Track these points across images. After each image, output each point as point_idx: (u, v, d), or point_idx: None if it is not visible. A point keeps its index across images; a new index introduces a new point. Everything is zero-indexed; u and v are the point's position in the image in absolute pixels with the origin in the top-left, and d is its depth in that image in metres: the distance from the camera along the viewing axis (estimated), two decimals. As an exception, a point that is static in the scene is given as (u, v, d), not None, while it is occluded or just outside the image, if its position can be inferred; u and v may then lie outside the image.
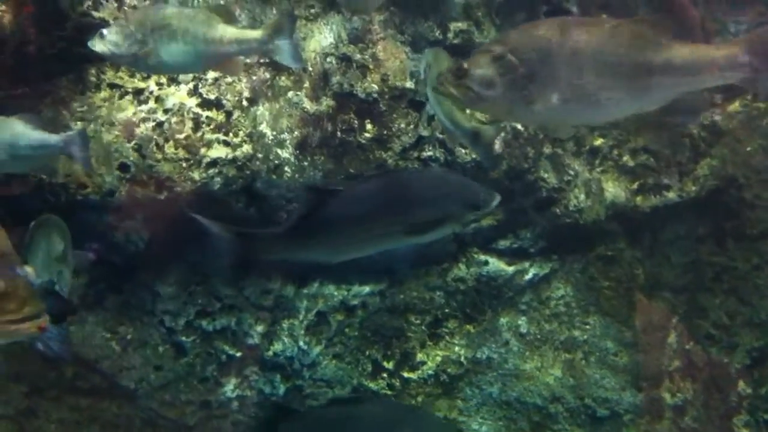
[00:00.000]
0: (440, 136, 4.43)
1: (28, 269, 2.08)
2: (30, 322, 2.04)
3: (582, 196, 4.63)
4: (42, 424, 4.26)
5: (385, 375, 4.62)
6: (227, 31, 3.59)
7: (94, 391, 4.36)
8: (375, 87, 4.37)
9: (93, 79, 4.21)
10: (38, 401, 4.28)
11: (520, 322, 4.72)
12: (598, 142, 4.69)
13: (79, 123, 4.14)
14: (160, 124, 4.20)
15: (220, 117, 4.27)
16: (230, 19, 3.67)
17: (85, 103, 4.18)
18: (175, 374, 4.42)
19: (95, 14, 4.16)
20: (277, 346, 4.51)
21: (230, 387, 4.49)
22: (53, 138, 3.58)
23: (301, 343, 4.52)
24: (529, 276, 4.70)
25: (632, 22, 3.01)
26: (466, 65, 3.03)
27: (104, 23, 4.03)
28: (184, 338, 4.41)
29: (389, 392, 4.61)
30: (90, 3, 4.15)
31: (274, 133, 4.34)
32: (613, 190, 4.71)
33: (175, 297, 4.38)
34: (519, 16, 4.61)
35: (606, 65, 2.89)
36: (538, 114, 3.01)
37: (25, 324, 2.04)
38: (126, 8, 4.19)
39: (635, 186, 4.73)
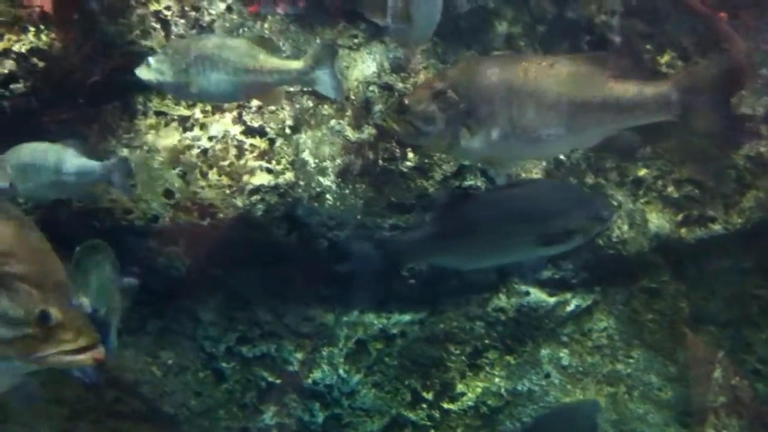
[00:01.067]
0: (481, 165, 4.41)
1: (84, 300, 2.11)
2: (86, 354, 2.05)
3: (625, 227, 4.57)
4: (83, 448, 4.28)
5: (424, 405, 4.58)
6: (268, 61, 3.64)
7: (134, 415, 4.37)
8: (417, 116, 4.37)
9: (140, 106, 4.30)
10: (79, 425, 4.30)
11: (561, 354, 4.65)
12: (642, 172, 4.65)
13: (125, 149, 4.21)
14: (204, 151, 4.25)
15: (264, 144, 4.31)
16: (272, 49, 3.72)
17: (131, 129, 4.26)
18: (214, 400, 4.43)
19: (143, 43, 4.24)
20: (317, 374, 4.49)
21: (269, 414, 4.48)
22: (95, 165, 3.65)
23: (340, 371, 4.50)
24: (570, 307, 4.65)
25: (570, 60, 3.05)
26: (407, 101, 3.09)
27: (152, 52, 4.10)
28: (224, 364, 4.42)
29: (428, 423, 4.56)
30: (138, 32, 4.24)
31: (316, 160, 4.37)
32: (657, 221, 4.65)
33: (216, 323, 4.41)
34: (562, 45, 4.61)
35: (544, 102, 2.93)
36: (478, 150, 3.05)
37: (81, 355, 2.06)
38: (173, 37, 4.27)
39: (680, 217, 4.66)
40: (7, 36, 3.91)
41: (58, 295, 2.05)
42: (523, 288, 4.59)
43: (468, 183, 4.39)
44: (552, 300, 4.62)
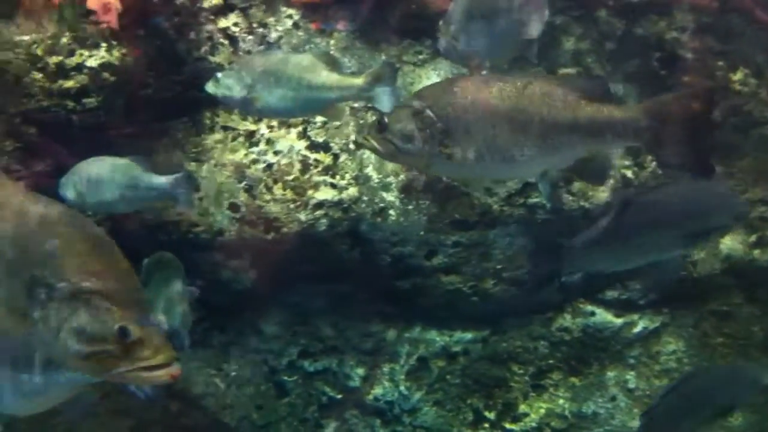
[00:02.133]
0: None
1: (161, 317, 2.13)
2: (163, 370, 2.07)
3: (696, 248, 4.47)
4: (146, 459, 4.33)
5: (486, 425, 4.52)
6: (330, 78, 3.66)
7: (197, 428, 4.40)
8: (481, 132, 4.34)
9: (207, 121, 4.35)
10: (143, 435, 4.36)
11: (628, 376, 4.54)
12: (715, 193, 4.54)
13: (193, 164, 4.26)
14: (269, 166, 4.28)
15: (328, 159, 4.32)
16: (334, 65, 3.73)
17: (199, 144, 4.31)
18: (276, 414, 4.44)
19: (211, 58, 4.30)
20: (378, 390, 4.48)
21: (330, 430, 4.47)
22: (161, 180, 3.69)
23: (401, 388, 4.47)
24: (638, 329, 4.54)
25: (543, 81, 3.06)
26: (386, 119, 3.09)
27: (219, 68, 4.15)
28: (286, 378, 4.44)
29: (490, 443, 4.52)
30: (207, 48, 4.30)
31: (380, 176, 4.36)
32: (730, 242, 4.52)
33: (279, 336, 4.43)
34: (631, 62, 4.54)
35: (517, 123, 2.94)
36: (455, 168, 3.10)
37: (158, 372, 2.07)
38: (240, 53, 4.32)
39: (753, 239, 4.53)
40: (79, 51, 3.98)
41: (137, 312, 2.07)
42: (589, 308, 4.51)
43: (532, 200, 4.35)
44: (618, 321, 4.52)
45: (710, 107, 3.02)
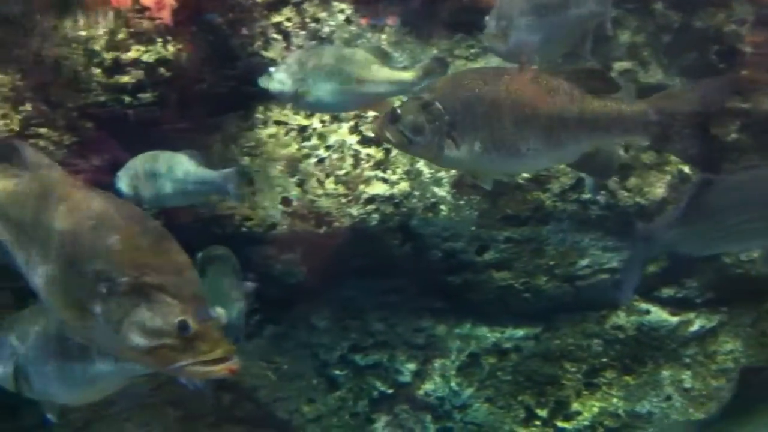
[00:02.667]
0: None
1: (219, 311, 2.14)
2: (222, 365, 2.09)
3: (754, 245, 4.36)
4: (199, 451, 4.38)
5: (538, 423, 4.47)
6: (380, 72, 3.67)
7: (249, 419, 4.44)
8: (535, 127, 4.30)
9: (260, 116, 4.38)
10: (195, 427, 4.40)
11: (683, 376, 4.45)
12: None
13: (246, 158, 4.29)
14: (321, 160, 4.30)
15: (379, 154, 4.32)
16: (385, 60, 3.73)
17: (252, 138, 4.34)
18: (327, 407, 4.46)
19: (264, 53, 4.32)
20: (429, 386, 4.46)
21: (381, 424, 4.48)
22: (212, 175, 3.73)
23: (452, 384, 4.45)
24: (694, 328, 4.45)
25: (550, 75, 3.04)
26: (399, 111, 3.13)
27: (272, 62, 4.17)
28: (337, 372, 4.45)
29: (542, 441, 4.47)
30: (260, 43, 4.32)
31: (431, 171, 4.34)
32: (790, 239, 4.41)
33: (330, 330, 4.44)
34: (689, 56, 4.45)
35: (523, 116, 2.94)
36: (463, 161, 3.10)
37: (217, 366, 2.09)
38: (293, 48, 4.33)
39: (814, 236, 4.42)
40: (135, 47, 4.04)
41: (196, 307, 2.09)
42: (644, 306, 4.44)
43: (586, 196, 4.29)
44: (674, 319, 4.44)
45: (717, 104, 3.01)
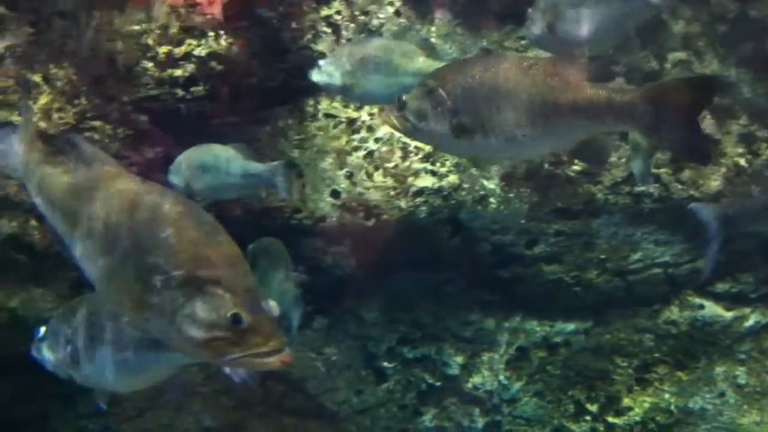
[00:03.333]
0: (654, 171, 4.23)
1: (272, 304, 2.15)
2: (275, 357, 2.09)
3: None
4: (249, 440, 4.43)
5: (588, 418, 4.43)
6: (427, 64, 3.65)
7: (298, 410, 4.48)
8: (586, 119, 4.24)
9: (310, 109, 4.40)
10: (246, 416, 4.45)
11: (738, 372, 4.37)
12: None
13: (295, 151, 4.32)
14: (370, 153, 4.30)
15: (428, 147, 4.30)
16: (432, 52, 3.71)
17: (302, 131, 4.36)
18: (375, 399, 4.48)
19: (314, 47, 4.33)
20: (477, 379, 4.45)
21: (429, 417, 4.48)
22: (260, 168, 3.75)
23: (501, 378, 4.44)
24: (749, 323, 4.36)
25: (549, 62, 3.03)
26: (404, 97, 3.16)
27: (322, 56, 4.19)
28: (385, 364, 4.47)
29: (591, 437, 4.44)
30: (310, 36, 4.34)
31: (481, 163, 4.32)
32: None
33: (378, 323, 4.45)
34: (745, 46, 4.34)
35: (518, 103, 2.95)
36: (464, 147, 3.12)
37: (269, 358, 2.10)
38: (343, 41, 4.34)
39: None
40: (187, 41, 4.08)
41: (249, 299, 2.10)
42: (697, 301, 4.36)
43: (639, 189, 4.23)
44: (729, 315, 4.36)
45: (710, 96, 2.94)
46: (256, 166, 3.76)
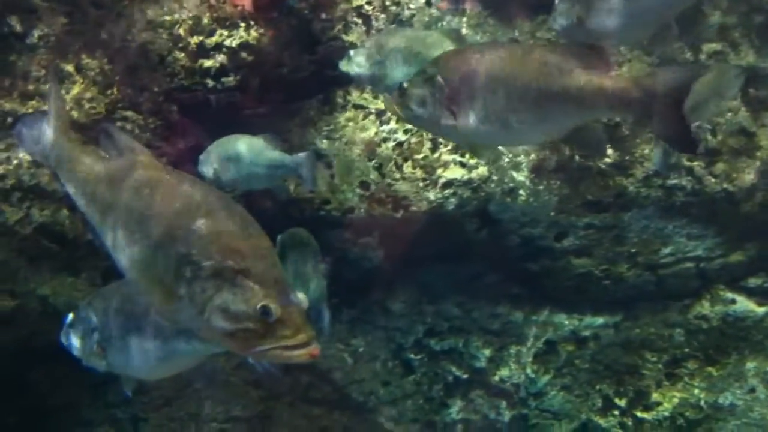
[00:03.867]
0: (687, 163, 4.18)
1: (301, 296, 2.15)
2: (303, 350, 2.10)
3: None
4: (276, 430, 4.44)
5: (616, 412, 4.41)
6: None
7: (325, 401, 4.50)
8: (618, 111, 4.19)
9: (339, 100, 4.39)
10: (274, 406, 4.48)
11: (769, 368, 4.34)
12: None
13: (324, 141, 4.32)
14: (400, 144, 4.28)
15: (453, 138, 4.28)
16: (462, 42, 3.69)
17: (331, 122, 4.36)
18: (402, 391, 4.48)
19: (344, 38, 4.32)
20: (504, 372, 4.44)
21: (455, 409, 4.48)
22: (287, 158, 3.76)
23: (528, 371, 4.42)
24: (782, 318, 4.32)
25: (544, 49, 3.08)
26: (405, 85, 3.21)
27: (352, 46, 4.17)
28: (412, 356, 4.47)
29: (620, 431, 4.39)
30: (340, 27, 4.32)
31: (510, 155, 4.29)
32: None
33: (405, 315, 4.45)
34: (783, 37, 4.28)
35: (514, 90, 2.98)
36: (461, 133, 3.13)
37: (298, 351, 2.10)
38: (373, 32, 4.32)
39: None
40: (219, 31, 4.08)
41: (279, 292, 2.11)
42: (729, 295, 4.31)
43: (672, 182, 4.18)
44: (761, 310, 4.30)
45: (687, 91, 2.91)
46: (283, 157, 3.77)
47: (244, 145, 3.80)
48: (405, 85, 3.21)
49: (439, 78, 3.09)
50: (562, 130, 3.05)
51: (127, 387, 3.20)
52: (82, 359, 3.10)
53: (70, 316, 3.12)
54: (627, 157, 4.20)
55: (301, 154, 3.77)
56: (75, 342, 3.08)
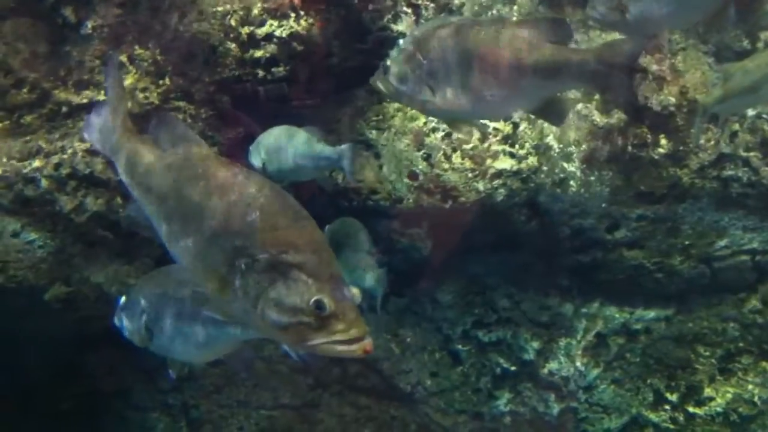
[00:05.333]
0: (744, 154, 4.09)
1: (354, 291, 2.15)
2: (356, 345, 2.09)
3: None
4: (323, 418, 4.47)
5: (667, 407, 4.35)
6: None
7: (373, 390, 4.51)
8: (672, 100, 4.12)
9: (389, 89, 4.36)
10: (322, 395, 4.50)
11: (826, 363, 4.23)
12: None
13: (373, 132, 4.31)
14: (448, 134, 4.25)
15: (507, 128, 4.24)
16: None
17: (380, 112, 4.34)
18: (450, 382, 4.47)
19: (393, 27, 4.30)
20: (553, 365, 4.40)
21: (503, 401, 4.46)
22: (329, 150, 3.76)
23: (578, 364, 4.37)
24: (842, 313, 4.21)
25: (513, 24, 3.16)
26: (388, 62, 3.30)
27: (402, 36, 4.15)
28: (460, 347, 4.45)
29: (671, 426, 4.33)
30: (389, 16, 4.30)
31: (561, 145, 4.24)
32: None
33: (454, 305, 4.43)
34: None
35: (485, 65, 3.08)
36: (439, 108, 3.24)
37: (351, 346, 2.10)
38: (422, 21, 4.29)
39: None
40: (269, 21, 4.09)
41: (332, 286, 2.10)
42: (786, 289, 4.23)
43: (728, 173, 4.09)
44: (820, 305, 4.21)
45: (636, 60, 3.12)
46: (325, 149, 3.77)
47: (287, 136, 3.80)
48: (387, 62, 3.31)
49: (419, 55, 3.19)
50: (533, 102, 3.17)
51: (172, 369, 3.26)
52: (132, 341, 3.16)
53: (123, 298, 3.18)
54: (681, 148, 4.12)
55: (343, 146, 3.77)
56: (125, 324, 3.15)
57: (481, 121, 3.93)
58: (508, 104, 3.27)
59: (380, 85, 3.36)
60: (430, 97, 3.19)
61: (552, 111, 3.24)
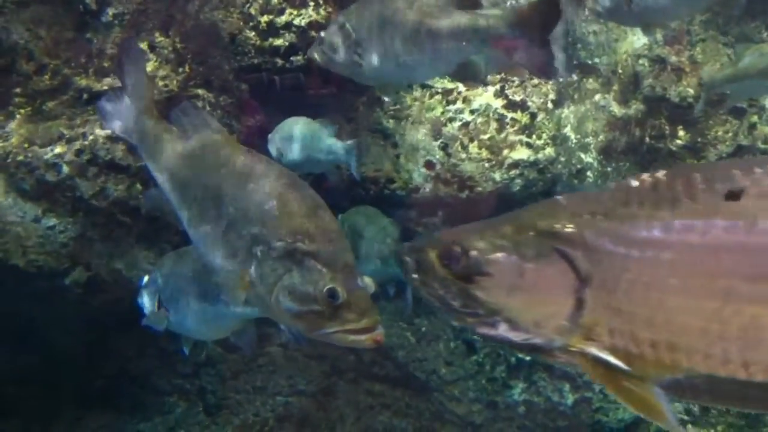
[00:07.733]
0: (762, 146, 4.07)
1: (368, 280, 2.16)
2: (367, 335, 2.11)
3: None
4: (339, 405, 4.49)
5: (682, 398, 4.35)
6: None
7: (388, 378, 4.53)
8: (690, 91, 4.11)
9: (406, 79, 4.37)
10: (336, 382, 4.53)
11: None
12: None
13: (391, 121, 4.32)
14: (466, 124, 4.26)
15: (525, 119, 4.24)
16: None
17: (397, 102, 4.35)
18: (464, 371, 4.48)
19: (411, 16, 4.29)
20: (568, 356, 4.40)
21: (518, 390, 4.47)
22: (337, 146, 3.77)
23: (592, 354, 4.38)
24: None
25: None
26: (322, 34, 3.51)
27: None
28: (474, 336, 4.46)
29: (685, 417, 4.32)
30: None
31: (578, 136, 4.24)
32: None
33: (469, 294, 4.43)
34: None
35: (405, 32, 3.25)
36: (367, 74, 3.42)
37: (362, 336, 2.11)
38: (441, 10, 4.29)
39: None
40: (288, 10, 4.11)
41: (346, 276, 2.11)
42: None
43: (745, 166, 4.07)
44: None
45: (556, 17, 3.07)
46: (334, 144, 3.79)
47: (300, 127, 3.83)
48: (322, 34, 3.51)
49: (348, 26, 3.39)
50: (450, 66, 3.31)
51: (185, 344, 3.34)
52: (150, 321, 3.23)
53: (145, 278, 3.25)
54: (699, 139, 4.11)
55: (349, 142, 3.79)
56: (146, 302, 3.22)
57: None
58: (430, 69, 3.42)
59: (316, 55, 3.54)
60: (358, 66, 3.38)
61: (468, 72, 3.38)
